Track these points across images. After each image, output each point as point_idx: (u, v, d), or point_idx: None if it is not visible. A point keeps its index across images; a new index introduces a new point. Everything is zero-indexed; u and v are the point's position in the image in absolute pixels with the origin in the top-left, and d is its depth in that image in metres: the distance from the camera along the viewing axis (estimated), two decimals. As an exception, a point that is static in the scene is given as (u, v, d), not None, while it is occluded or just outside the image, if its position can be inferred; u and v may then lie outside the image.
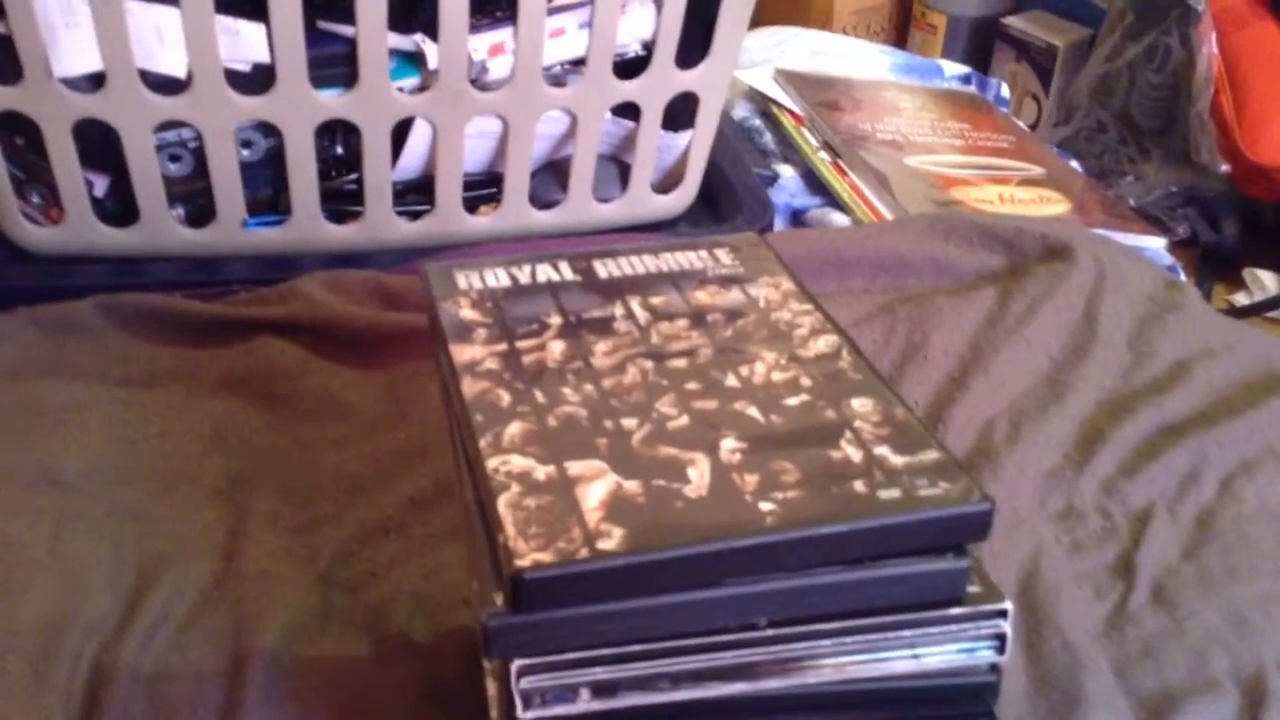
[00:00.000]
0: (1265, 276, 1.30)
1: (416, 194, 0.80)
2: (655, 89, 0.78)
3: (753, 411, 0.41)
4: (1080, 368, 0.71)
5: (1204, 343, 0.74)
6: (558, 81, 0.77)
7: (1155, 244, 0.91)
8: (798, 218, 0.92)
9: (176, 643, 0.52)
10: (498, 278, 0.49)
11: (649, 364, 0.43)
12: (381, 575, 0.57)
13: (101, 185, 0.77)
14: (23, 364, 0.67)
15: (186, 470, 0.61)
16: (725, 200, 0.88)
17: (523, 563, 0.34)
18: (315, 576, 0.56)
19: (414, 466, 0.62)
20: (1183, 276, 0.88)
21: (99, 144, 0.72)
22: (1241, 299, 1.28)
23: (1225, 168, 1.35)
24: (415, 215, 0.80)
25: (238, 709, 0.49)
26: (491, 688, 0.44)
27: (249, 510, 0.59)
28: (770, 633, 0.37)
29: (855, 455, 0.39)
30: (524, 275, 0.49)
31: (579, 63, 0.78)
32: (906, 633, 0.37)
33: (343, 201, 0.79)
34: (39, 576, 0.54)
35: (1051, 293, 0.76)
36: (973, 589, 0.38)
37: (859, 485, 0.37)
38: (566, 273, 0.50)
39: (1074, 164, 1.05)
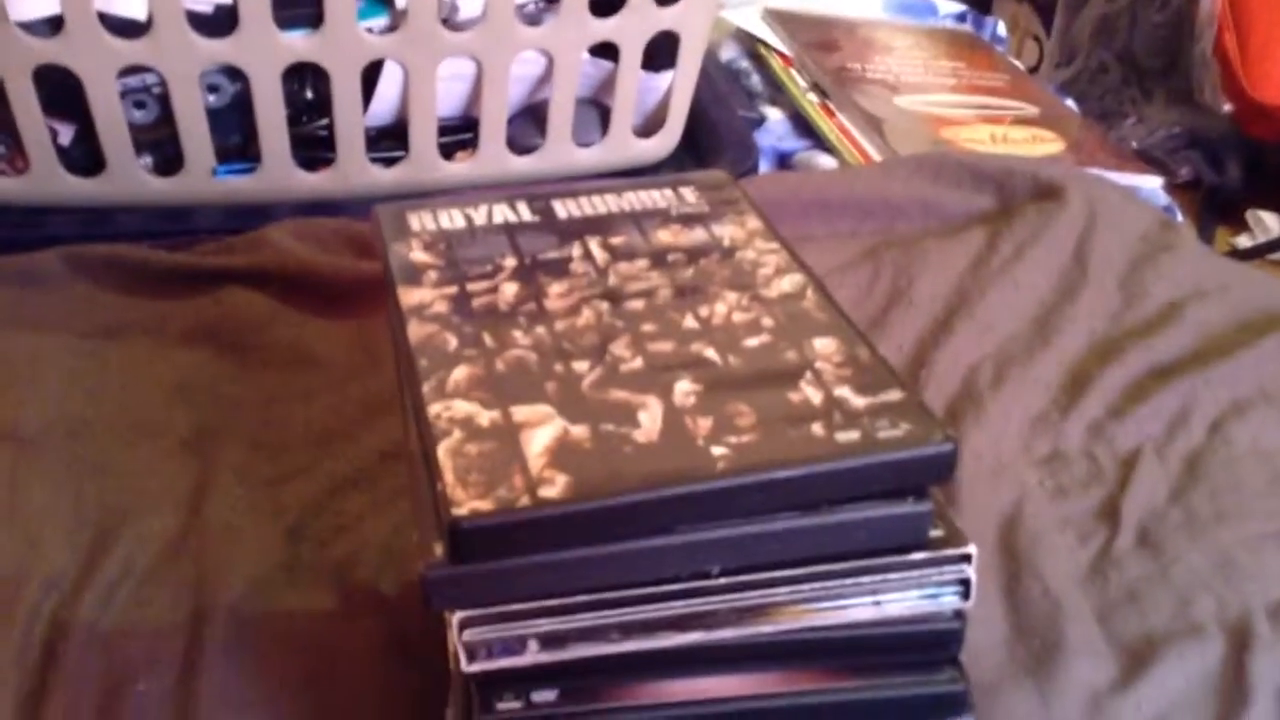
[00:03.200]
0: (1268, 218, 1.28)
1: (390, 140, 0.79)
2: (634, 27, 0.76)
3: (710, 353, 0.39)
4: (1069, 310, 0.69)
5: (1197, 283, 0.72)
6: (532, 21, 0.74)
7: (1151, 184, 0.89)
8: (784, 161, 0.90)
9: (137, 597, 0.51)
10: (452, 219, 0.47)
11: (604, 305, 0.42)
12: (350, 528, 0.56)
13: (67, 134, 0.75)
14: (-16, 316, 0.66)
15: (151, 422, 0.60)
16: (709, 144, 0.86)
17: (460, 511, 0.33)
18: (282, 530, 0.55)
19: (384, 418, 0.61)
20: (1179, 217, 0.86)
21: (62, 91, 0.71)
22: (1244, 241, 1.26)
23: (1228, 108, 1.32)
24: (389, 162, 0.78)
25: (199, 663, 0.48)
26: (451, 639, 0.43)
27: (215, 463, 0.58)
28: (724, 581, 0.35)
29: (815, 397, 0.37)
30: (480, 216, 0.48)
31: (554, 0, 0.75)
32: (867, 579, 0.36)
33: (314, 148, 0.77)
34: (-5, 531, 0.53)
35: (1041, 234, 0.74)
36: (936, 533, 0.37)
37: (817, 428, 0.36)
38: (524, 213, 0.48)
39: (1070, 103, 1.02)
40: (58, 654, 0.48)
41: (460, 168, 0.79)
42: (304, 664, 0.49)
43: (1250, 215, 1.29)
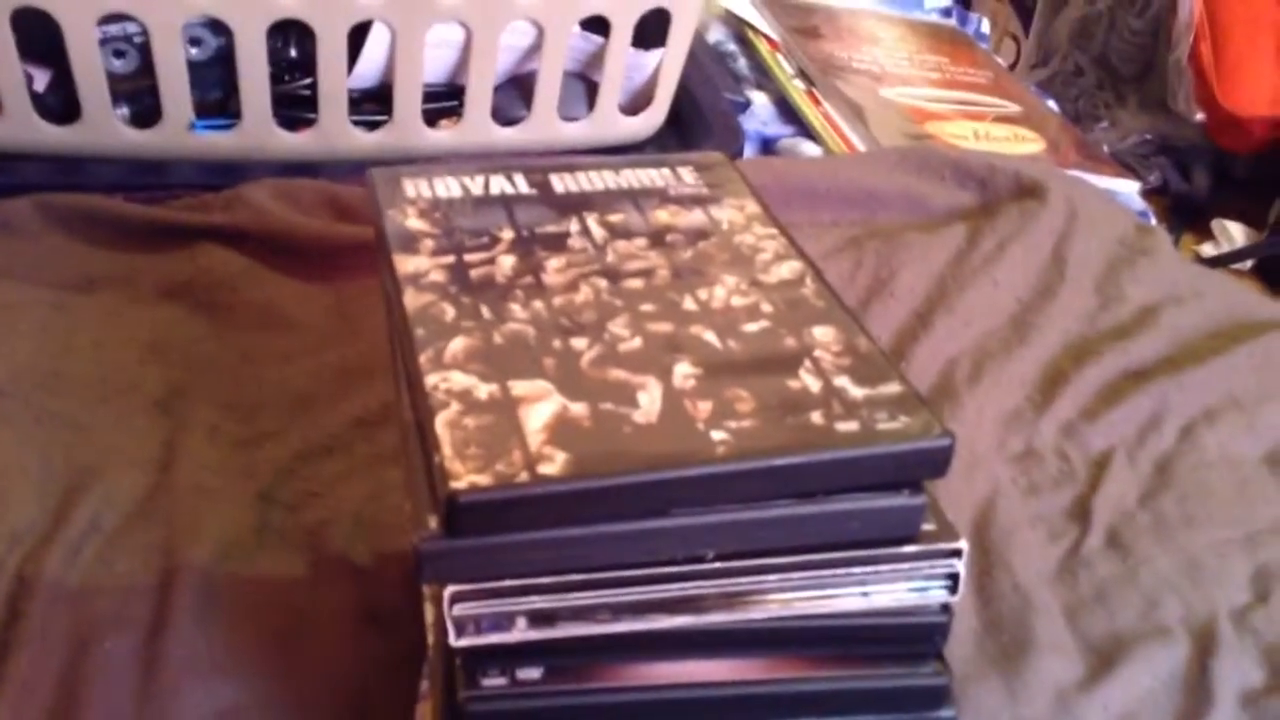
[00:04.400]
0: (1233, 228, 1.29)
1: (374, 103, 0.77)
2: (626, 3, 0.75)
3: (709, 336, 0.39)
4: (1046, 309, 0.70)
5: (1172, 288, 0.73)
6: (524, -9, 0.74)
7: (1128, 188, 0.90)
8: (768, 146, 0.89)
9: (104, 556, 0.50)
10: (448, 187, 0.47)
11: (603, 283, 0.41)
12: (323, 494, 0.55)
13: (42, 79, 0.73)
14: (-49, 262, 0.64)
15: (122, 379, 0.59)
16: (695, 125, 0.85)
17: (458, 484, 0.32)
18: (253, 493, 0.54)
19: (361, 385, 0.60)
20: (1154, 222, 0.87)
21: (40, 36, 0.69)
22: (1209, 250, 1.27)
23: (1200, 117, 1.34)
24: (372, 126, 0.77)
25: (166, 626, 0.48)
26: (430, 612, 0.42)
27: (186, 423, 0.57)
28: (717, 565, 0.35)
29: (814, 385, 0.37)
30: (476, 186, 0.47)
31: (547, -28, 0.75)
32: (857, 570, 0.36)
33: (296, 108, 0.76)
34: (-40, 483, 0.52)
35: (1022, 232, 0.74)
36: (927, 527, 0.37)
37: (816, 416, 0.36)
38: (521, 185, 0.47)
39: (1051, 104, 1.03)
40: (22, 610, 0.47)
41: (443, 135, 0.78)
42: (273, 628, 0.49)
43: (1216, 225, 1.31)
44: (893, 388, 0.37)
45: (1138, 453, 0.62)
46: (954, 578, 0.37)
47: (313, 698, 0.46)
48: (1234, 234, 1.29)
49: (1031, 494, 0.59)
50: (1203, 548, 0.56)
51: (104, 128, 0.73)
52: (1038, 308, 0.70)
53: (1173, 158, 1.38)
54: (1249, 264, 1.23)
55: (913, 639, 0.38)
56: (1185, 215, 1.33)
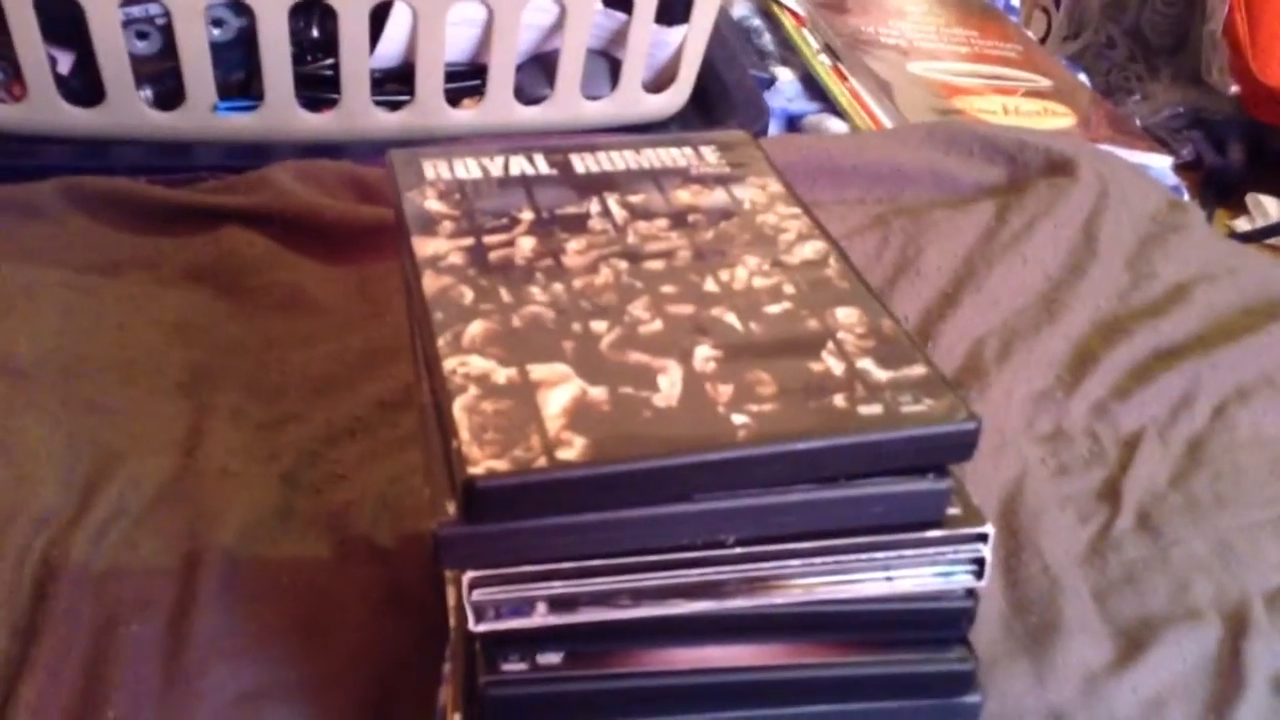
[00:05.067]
0: (1268, 202, 1.27)
1: (396, 83, 0.77)
2: (649, -21, 0.74)
3: (731, 318, 0.39)
4: (1076, 287, 0.69)
5: (1205, 265, 0.71)
6: (547, -32, 0.73)
7: (1161, 163, 0.88)
8: (794, 123, 0.88)
9: (129, 539, 0.51)
10: (468, 169, 0.46)
11: (623, 264, 0.41)
12: (346, 477, 0.55)
13: (66, 62, 0.74)
14: (-23, 246, 0.64)
15: (146, 362, 0.59)
16: (719, 102, 0.84)
17: (476, 470, 0.32)
18: (277, 476, 0.55)
19: (384, 367, 0.60)
20: (1187, 197, 0.86)
21: (64, 18, 0.69)
22: (1243, 225, 1.25)
23: (1235, 90, 1.31)
24: (394, 106, 0.76)
25: (190, 607, 0.48)
26: (451, 595, 0.42)
27: (211, 406, 0.57)
28: (738, 550, 0.35)
29: (837, 368, 0.36)
30: (496, 167, 0.47)
31: (569, -51, 0.74)
32: (880, 555, 0.35)
33: (318, 88, 0.75)
34: (-14, 466, 0.52)
35: (1052, 209, 0.73)
36: (952, 511, 0.36)
37: (839, 400, 0.35)
38: (541, 166, 0.47)
39: (1082, 77, 1.01)
40: (48, 593, 0.48)
41: (466, 115, 0.78)
42: (297, 611, 0.49)
43: (1250, 199, 1.29)
44: (918, 370, 0.36)
45: (1169, 433, 0.61)
46: (980, 563, 0.36)
47: (336, 679, 0.46)
48: (1269, 208, 1.27)
49: (1061, 475, 0.58)
50: (1234, 529, 0.56)
51: (128, 110, 0.73)
52: (1068, 285, 0.69)
53: (1206, 131, 1.36)
54: (1283, 239, 1.21)
55: (938, 624, 0.37)
56: (1219, 190, 1.31)
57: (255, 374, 0.60)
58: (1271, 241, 1.21)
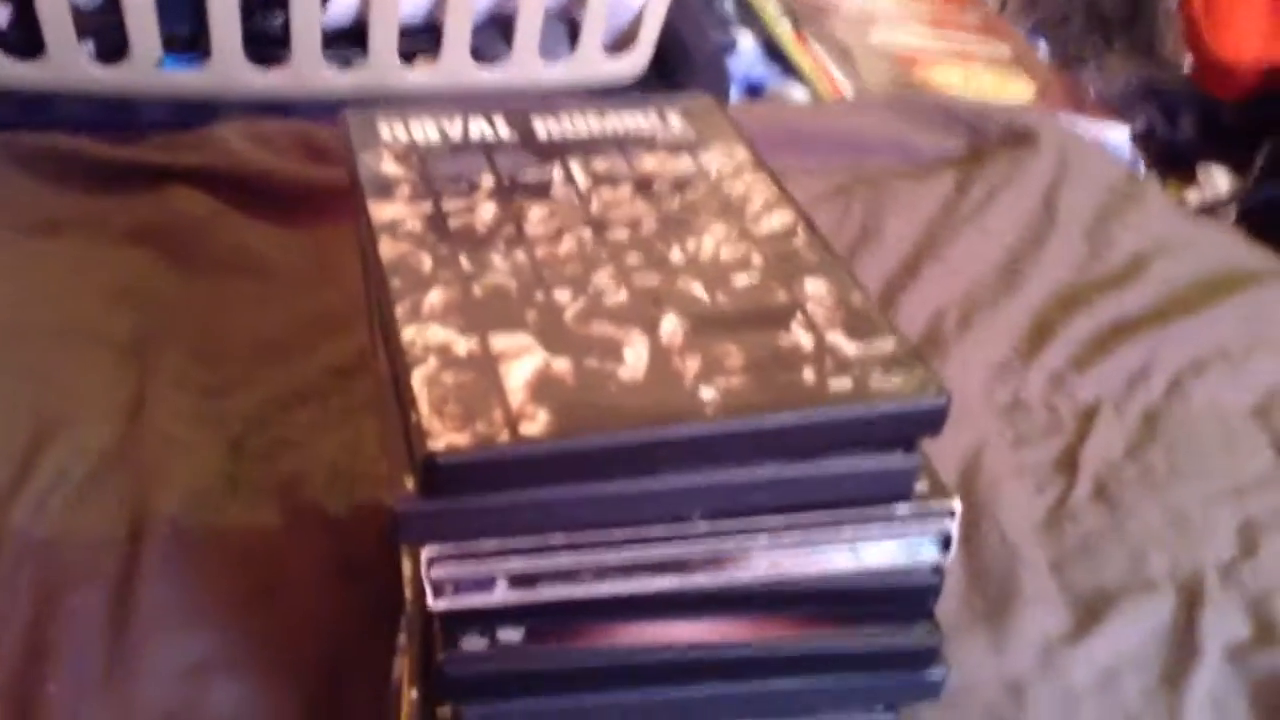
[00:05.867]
0: (1218, 173, 1.28)
1: (348, 42, 0.75)
2: (609, -61, 0.73)
3: (697, 289, 0.38)
4: (1036, 258, 0.69)
5: (1163, 238, 0.72)
6: (504, -76, 0.71)
7: (1118, 134, 0.89)
8: (755, 90, 0.87)
9: (73, 507, 0.49)
10: (426, 131, 0.45)
11: (587, 233, 0.40)
12: (297, 444, 0.54)
13: (4, 14, 0.71)
14: (-90, 204, 0.62)
15: (89, 326, 0.58)
16: (680, 67, 0.83)
17: (436, 445, 0.31)
18: (225, 442, 0.53)
19: (336, 333, 0.59)
20: (1143, 168, 0.86)
21: (0, -34, 0.66)
22: (1194, 195, 1.26)
23: (1189, 62, 1.32)
24: (347, 64, 0.74)
25: (135, 577, 0.47)
26: (407, 568, 0.41)
27: (156, 370, 0.56)
28: (704, 526, 0.34)
29: (806, 341, 0.36)
30: (455, 130, 0.45)
31: (528, -95, 0.72)
32: (848, 530, 0.35)
33: (268, 45, 0.73)
34: (-79, 434, 0.50)
35: (1011, 180, 0.73)
36: (919, 485, 0.36)
37: (808, 373, 0.34)
38: (502, 130, 0.46)
39: (1042, 45, 1.01)
40: (-12, 563, 0.46)
41: (421, 74, 0.76)
42: (245, 580, 0.48)
43: (1201, 169, 1.30)
44: (888, 343, 0.36)
45: (1126, 404, 0.61)
46: (946, 538, 0.36)
47: (286, 651, 0.45)
48: (1218, 180, 1.28)
49: (1019, 445, 0.58)
50: (1190, 500, 0.56)
51: (69, 63, 0.70)
52: (1027, 256, 0.69)
53: (1159, 103, 1.36)
54: (1234, 211, 1.22)
55: (904, 599, 0.37)
56: (1170, 161, 1.32)
57: (202, 338, 0.58)
58: (1221, 213, 1.22)
